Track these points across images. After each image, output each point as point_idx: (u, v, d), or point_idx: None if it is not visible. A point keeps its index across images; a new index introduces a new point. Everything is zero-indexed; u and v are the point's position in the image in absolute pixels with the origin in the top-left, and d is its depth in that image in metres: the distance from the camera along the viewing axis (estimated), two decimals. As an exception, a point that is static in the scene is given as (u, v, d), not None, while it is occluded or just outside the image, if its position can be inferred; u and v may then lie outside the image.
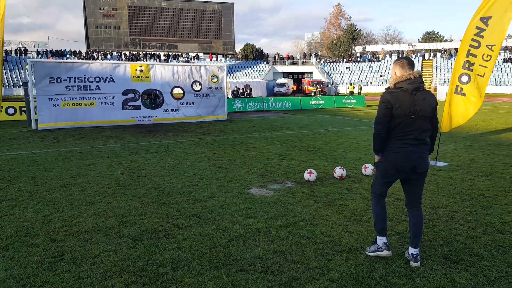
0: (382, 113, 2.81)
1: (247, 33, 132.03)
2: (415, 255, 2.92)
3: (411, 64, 2.85)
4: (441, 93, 30.37)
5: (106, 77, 13.03)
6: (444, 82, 42.27)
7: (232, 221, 3.90)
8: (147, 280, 2.73)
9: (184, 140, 9.69)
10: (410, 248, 2.96)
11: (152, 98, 13.96)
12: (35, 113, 12.22)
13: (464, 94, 6.25)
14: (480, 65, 6.06)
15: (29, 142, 9.32)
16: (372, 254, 3.05)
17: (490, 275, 2.81)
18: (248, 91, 26.29)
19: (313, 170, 5.51)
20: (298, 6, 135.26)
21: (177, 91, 14.35)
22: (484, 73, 6.07)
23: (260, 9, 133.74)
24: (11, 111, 15.71)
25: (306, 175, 5.47)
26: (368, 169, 5.80)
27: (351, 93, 30.64)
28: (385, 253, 2.99)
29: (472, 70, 6.13)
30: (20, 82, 39.46)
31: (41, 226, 3.76)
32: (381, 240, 3.02)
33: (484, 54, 6.01)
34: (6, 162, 6.86)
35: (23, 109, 15.70)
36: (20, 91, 37.98)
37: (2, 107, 15.32)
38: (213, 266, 2.95)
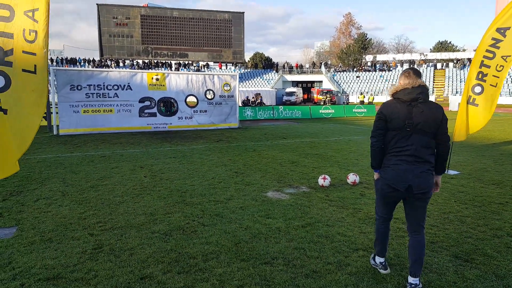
0: (376, 125, 2.68)
1: (256, 41, 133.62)
2: (413, 285, 2.62)
3: (417, 74, 2.64)
4: (453, 103, 30.30)
5: (124, 85, 13.55)
6: (457, 92, 42.10)
7: (253, 220, 4.17)
8: (181, 270, 3.01)
9: (199, 146, 10.03)
10: (409, 277, 2.68)
11: (168, 106, 14.44)
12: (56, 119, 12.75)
13: (476, 105, 6.38)
14: (493, 75, 6.17)
15: (53, 147, 9.78)
16: (372, 264, 3.06)
17: (499, 272, 3.01)
18: (259, 100, 26.66)
19: (327, 176, 5.76)
20: (308, 15, 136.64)
21: (191, 99, 14.79)
22: (497, 83, 6.18)
23: (270, 18, 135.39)
24: (31, 117, 16.29)
25: (320, 181, 5.71)
26: None
27: (362, 102, 30.81)
28: (381, 271, 2.93)
29: (485, 81, 6.27)
30: (37, 89, 40.68)
31: (77, 222, 4.09)
32: (378, 259, 2.97)
33: (498, 64, 6.08)
34: (35, 165, 7.27)
35: (43, 115, 16.26)
36: (36, 98, 39.13)
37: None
38: (239, 259, 3.21)
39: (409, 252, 2.71)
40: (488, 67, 6.20)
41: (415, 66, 50.99)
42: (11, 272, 2.99)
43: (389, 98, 2.77)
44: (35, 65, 3.88)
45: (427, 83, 46.87)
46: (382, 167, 2.70)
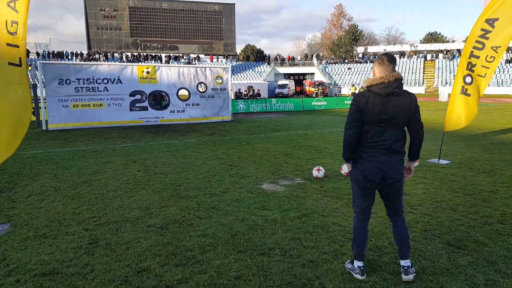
0: (352, 117, 2.61)
1: (248, 33, 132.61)
2: (405, 267, 2.71)
3: (391, 61, 2.58)
4: (443, 94, 30.67)
5: (114, 79, 13.33)
6: (446, 83, 42.58)
7: (249, 212, 4.18)
8: (179, 262, 3.02)
9: (192, 140, 9.98)
10: (400, 260, 2.77)
11: (158, 99, 14.27)
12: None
13: (469, 95, 6.47)
14: (482, 65, 6.24)
15: (43, 142, 9.61)
16: (347, 268, 2.88)
17: (490, 259, 3.09)
18: (251, 92, 26.57)
19: (321, 167, 5.80)
20: (300, 7, 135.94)
21: (183, 92, 14.65)
22: (486, 73, 6.25)
23: (262, 10, 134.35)
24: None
25: (315, 172, 5.75)
26: None
27: (354, 94, 30.98)
28: (357, 276, 2.75)
29: (473, 71, 6.35)
30: (24, 83, 39.77)
31: (71, 217, 4.05)
32: (357, 264, 2.78)
33: (487, 55, 6.13)
34: (25, 161, 7.15)
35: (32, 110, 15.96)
36: (23, 93, 38.30)
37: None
38: (236, 250, 3.23)
39: (394, 236, 2.81)
40: (477, 57, 6.27)
41: (406, 57, 51.37)
42: (6, 268, 2.95)
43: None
44: (20, 58, 3.77)
45: (417, 75, 47.34)
46: (358, 159, 2.68)
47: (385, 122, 2.56)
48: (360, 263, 2.78)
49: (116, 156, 7.57)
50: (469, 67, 6.39)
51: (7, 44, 3.65)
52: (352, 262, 2.86)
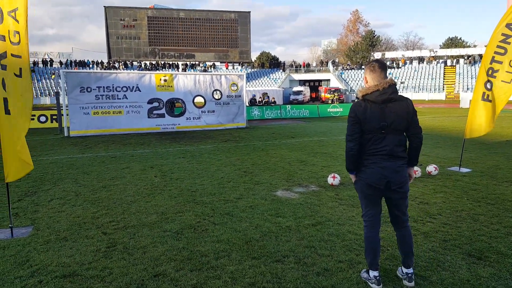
0: (351, 129, 2.63)
1: (263, 41, 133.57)
2: (409, 274, 2.74)
3: (382, 68, 2.61)
4: (465, 100, 29.77)
5: (133, 87, 13.69)
6: (468, 89, 41.48)
7: (263, 219, 4.19)
8: (194, 267, 3.06)
9: (208, 146, 10.10)
10: (402, 267, 2.80)
11: (174, 107, 14.54)
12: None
13: (490, 101, 6.30)
14: (506, 71, 6.07)
15: (64, 148, 9.95)
16: (363, 277, 2.85)
17: (512, 271, 2.98)
18: (266, 99, 26.67)
19: (336, 175, 5.75)
20: (315, 13, 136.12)
21: (199, 99, 14.87)
22: (511, 79, 6.07)
23: (276, 17, 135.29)
24: (43, 119, 16.65)
25: (330, 179, 5.71)
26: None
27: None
28: (374, 286, 2.70)
29: (495, 77, 6.18)
30: (47, 91, 41.39)
31: (91, 221, 4.17)
32: (372, 273, 2.74)
33: (511, 60, 5.99)
34: (48, 166, 7.42)
35: (53, 117, 16.62)
36: (47, 100, 39.80)
37: (34, 116, 16.29)
38: (250, 257, 3.24)
39: (399, 246, 2.79)
40: (500, 63, 6.10)
41: (425, 63, 50.44)
42: (29, 269, 3.07)
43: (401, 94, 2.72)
44: (20, 68, 3.66)
45: (437, 80, 46.36)
46: (361, 168, 2.69)
47: (385, 129, 2.57)
48: (376, 273, 2.73)
49: (134, 162, 7.75)
50: (490, 73, 6.23)
51: (12, 55, 3.58)
52: (367, 272, 2.82)
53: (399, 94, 2.66)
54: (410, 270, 2.74)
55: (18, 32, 3.65)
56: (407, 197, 2.72)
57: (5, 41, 3.56)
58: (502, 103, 6.21)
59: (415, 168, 6.15)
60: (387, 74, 2.68)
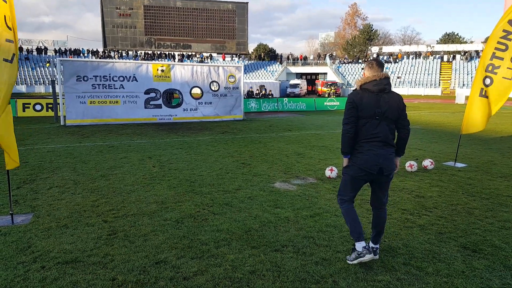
0: (348, 113, 2.84)
1: (262, 32, 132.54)
2: (375, 249, 3.05)
3: (380, 65, 2.89)
4: (460, 96, 29.98)
5: (130, 76, 13.58)
6: (464, 85, 41.71)
7: (262, 210, 4.24)
8: (194, 255, 3.10)
9: (205, 138, 10.10)
10: (371, 242, 3.08)
11: (169, 98, 14.46)
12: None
13: (487, 97, 6.35)
14: (508, 67, 6.10)
15: (61, 137, 9.89)
16: (354, 262, 2.91)
17: (507, 263, 3.06)
18: (263, 91, 26.61)
19: (334, 167, 5.81)
20: (315, 5, 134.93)
21: (196, 91, 14.80)
22: None
23: (276, 8, 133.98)
24: (38, 107, 16.49)
25: (327, 172, 5.77)
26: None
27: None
28: (367, 257, 2.83)
29: (496, 73, 6.20)
30: (41, 80, 40.85)
31: (91, 209, 4.19)
32: (360, 245, 2.87)
33: None
34: (45, 154, 7.38)
35: (49, 106, 16.47)
36: (41, 89, 39.33)
37: (29, 104, 16.16)
38: (250, 246, 3.30)
39: (373, 224, 3.09)
40: (501, 59, 6.13)
41: (422, 58, 50.54)
42: (31, 255, 3.09)
43: (397, 89, 2.85)
44: (13, 54, 3.56)
45: (433, 76, 46.54)
46: (356, 154, 2.89)
47: (379, 115, 2.81)
48: (363, 243, 2.90)
49: (132, 152, 7.74)
50: (490, 69, 6.26)
51: (6, 40, 3.48)
52: (354, 249, 2.94)
53: (391, 89, 2.92)
54: (377, 246, 3.07)
55: (9, 17, 3.53)
56: (390, 183, 3.03)
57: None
58: (502, 100, 6.25)
59: (411, 162, 6.26)
60: (384, 69, 2.93)
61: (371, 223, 3.19)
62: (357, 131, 2.85)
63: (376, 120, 2.81)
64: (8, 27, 3.53)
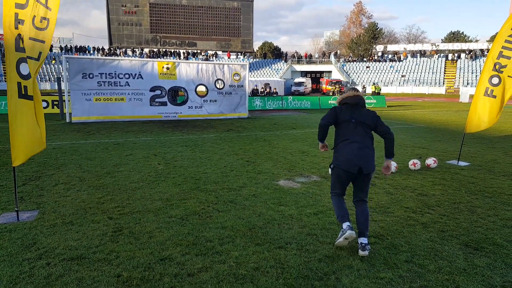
0: (328, 115, 3.38)
1: (267, 30, 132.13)
2: (363, 244, 3.11)
3: (355, 90, 3.47)
4: (464, 94, 29.70)
5: (135, 74, 13.64)
6: (468, 84, 41.30)
7: (266, 207, 4.27)
8: (199, 252, 3.14)
9: (210, 135, 10.14)
10: (359, 238, 3.16)
11: (177, 95, 14.51)
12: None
13: (494, 96, 6.29)
14: None
15: (67, 134, 9.99)
16: (340, 239, 3.16)
17: (508, 261, 3.06)
18: (268, 89, 26.58)
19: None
20: (321, 3, 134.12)
21: (201, 88, 14.83)
22: None
23: (282, 6, 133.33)
24: (44, 104, 16.63)
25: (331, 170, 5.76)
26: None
27: (374, 93, 30.50)
28: (348, 233, 3.09)
29: (502, 72, 6.17)
30: (47, 77, 41.18)
31: (96, 206, 4.24)
32: (345, 224, 3.17)
33: None
34: (51, 151, 7.47)
35: (55, 102, 16.61)
36: (47, 86, 39.66)
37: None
38: (254, 243, 3.32)
39: (357, 219, 3.28)
40: (508, 58, 6.08)
41: (426, 57, 50.12)
42: (37, 252, 3.14)
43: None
44: (40, 52, 3.81)
45: (438, 74, 46.26)
46: (335, 156, 3.32)
47: (355, 120, 3.28)
48: (348, 222, 3.18)
49: (137, 149, 7.80)
50: (497, 68, 6.21)
51: (30, 38, 3.72)
52: (342, 229, 3.19)
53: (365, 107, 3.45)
54: (365, 240, 3.14)
55: (46, 19, 3.83)
56: (370, 182, 3.34)
57: (23, 25, 3.66)
58: (506, 98, 6.22)
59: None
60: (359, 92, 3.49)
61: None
62: (337, 134, 3.35)
63: (353, 124, 3.27)
64: (36, 27, 3.77)
